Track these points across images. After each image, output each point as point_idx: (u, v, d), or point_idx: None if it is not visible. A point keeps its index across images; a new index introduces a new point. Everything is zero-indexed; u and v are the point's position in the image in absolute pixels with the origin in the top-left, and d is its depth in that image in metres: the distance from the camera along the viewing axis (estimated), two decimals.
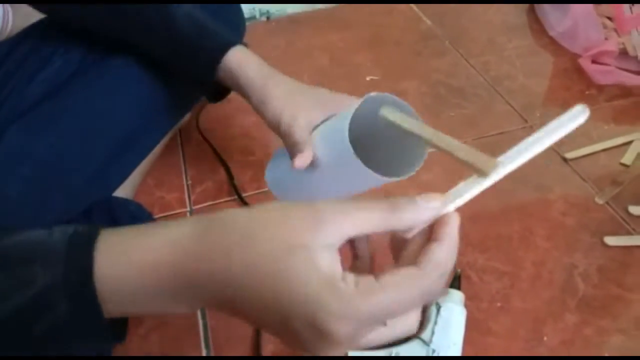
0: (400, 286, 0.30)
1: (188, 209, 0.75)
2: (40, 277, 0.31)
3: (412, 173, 0.48)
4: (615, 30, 0.93)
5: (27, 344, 0.32)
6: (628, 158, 0.77)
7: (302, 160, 0.53)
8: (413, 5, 1.15)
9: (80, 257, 0.31)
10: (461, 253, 0.66)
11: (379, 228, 0.31)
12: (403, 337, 0.33)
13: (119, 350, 0.59)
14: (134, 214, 0.66)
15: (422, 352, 0.51)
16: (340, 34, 1.08)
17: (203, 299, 0.32)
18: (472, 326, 0.58)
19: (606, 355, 0.56)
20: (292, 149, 0.55)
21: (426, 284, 0.30)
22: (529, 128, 0.82)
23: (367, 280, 0.30)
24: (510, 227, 0.69)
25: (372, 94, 0.50)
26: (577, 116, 0.32)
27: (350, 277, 0.30)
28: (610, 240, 0.66)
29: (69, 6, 0.63)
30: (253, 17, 1.15)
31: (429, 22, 1.11)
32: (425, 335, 0.52)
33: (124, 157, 0.67)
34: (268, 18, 1.16)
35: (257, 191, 0.77)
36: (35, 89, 0.66)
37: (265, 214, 0.31)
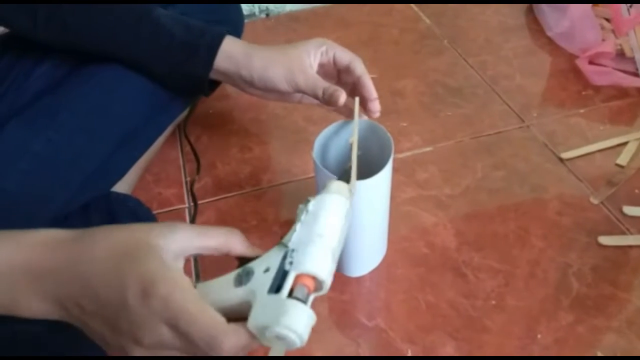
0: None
1: (187, 205, 0.76)
2: None
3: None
4: (613, 31, 0.94)
5: None
6: (623, 159, 0.77)
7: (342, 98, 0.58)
8: (412, 5, 1.16)
9: None
10: (457, 250, 0.67)
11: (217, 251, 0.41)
12: None
13: None
14: (133, 210, 0.67)
15: (279, 255, 0.42)
16: (338, 32, 1.08)
17: (54, 287, 0.36)
18: (467, 324, 0.58)
19: (599, 353, 0.57)
20: (322, 94, 0.59)
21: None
22: (526, 128, 0.83)
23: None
24: (506, 225, 0.70)
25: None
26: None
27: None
28: (605, 240, 0.67)
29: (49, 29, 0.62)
30: (252, 15, 1.16)
31: (427, 21, 1.11)
32: (286, 237, 0.43)
33: (123, 152, 0.68)
34: (267, 15, 1.16)
35: (254, 188, 0.77)
36: (34, 83, 0.66)
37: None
